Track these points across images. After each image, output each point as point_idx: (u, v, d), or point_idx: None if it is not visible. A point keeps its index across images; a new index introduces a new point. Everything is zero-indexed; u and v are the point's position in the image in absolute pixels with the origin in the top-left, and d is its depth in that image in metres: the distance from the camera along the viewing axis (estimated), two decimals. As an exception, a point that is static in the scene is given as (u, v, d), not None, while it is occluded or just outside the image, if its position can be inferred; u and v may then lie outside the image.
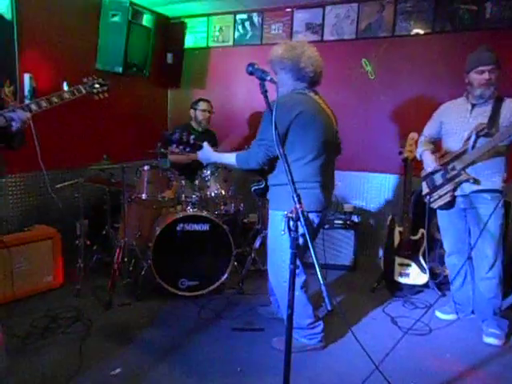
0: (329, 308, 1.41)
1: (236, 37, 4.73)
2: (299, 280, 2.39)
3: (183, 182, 3.57)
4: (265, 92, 1.73)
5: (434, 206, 2.86)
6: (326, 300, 1.40)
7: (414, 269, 3.29)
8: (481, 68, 2.55)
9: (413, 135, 3.12)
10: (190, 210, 3.25)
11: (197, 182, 3.51)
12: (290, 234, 1.53)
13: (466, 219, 2.80)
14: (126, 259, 3.26)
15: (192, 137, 2.47)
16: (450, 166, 2.73)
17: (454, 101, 2.81)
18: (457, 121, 2.72)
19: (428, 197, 2.86)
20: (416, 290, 3.34)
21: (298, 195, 1.52)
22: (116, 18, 3.99)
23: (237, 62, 4.64)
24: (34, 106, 2.03)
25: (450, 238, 2.91)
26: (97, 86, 2.38)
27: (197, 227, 3.17)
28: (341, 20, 4.21)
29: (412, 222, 3.30)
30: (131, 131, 4.58)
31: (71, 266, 3.29)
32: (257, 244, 3.55)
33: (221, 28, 4.81)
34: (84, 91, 2.29)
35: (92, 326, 2.70)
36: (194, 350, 2.52)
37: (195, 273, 3.15)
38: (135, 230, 3.42)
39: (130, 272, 3.34)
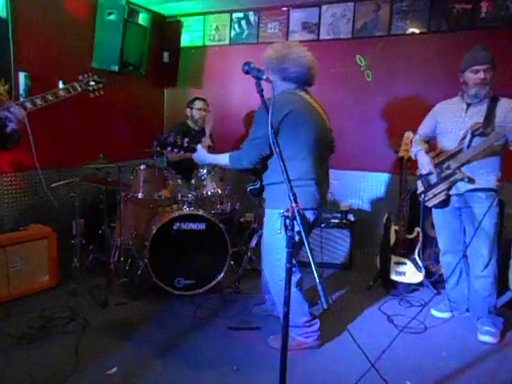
0: (324, 306, 1.41)
1: (232, 36, 4.73)
2: (294, 278, 2.39)
3: (179, 181, 3.56)
4: (261, 91, 1.74)
5: (429, 204, 2.87)
6: (322, 298, 1.40)
7: (409, 267, 3.30)
8: (476, 67, 2.56)
9: (408, 134, 3.13)
10: (186, 209, 3.25)
11: (193, 181, 3.50)
12: (286, 233, 1.53)
13: (460, 218, 2.81)
14: (122, 258, 3.26)
15: (186, 140, 2.49)
16: (445, 165, 2.74)
17: (450, 100, 2.82)
18: (452, 120, 2.73)
19: (423, 195, 2.88)
20: (411, 288, 3.35)
21: (294, 194, 1.53)
22: (112, 17, 3.98)
23: (233, 61, 4.64)
24: (28, 104, 2.02)
25: (445, 236, 2.93)
26: (92, 83, 2.37)
27: (193, 226, 3.16)
28: (337, 19, 4.22)
29: (408, 221, 3.32)
30: (127, 130, 4.58)
31: (67, 265, 3.28)
32: (253, 243, 3.55)
33: (217, 27, 4.80)
34: (79, 89, 2.29)
35: (88, 326, 2.70)
36: (190, 348, 2.52)
37: (191, 272, 3.15)
38: (131, 229, 3.42)
39: (126, 271, 3.33)
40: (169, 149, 2.45)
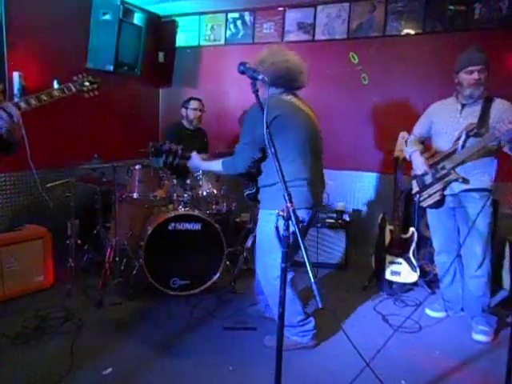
0: (319, 306, 1.41)
1: (228, 36, 4.73)
2: (288, 277, 2.40)
3: (175, 181, 3.56)
4: (256, 91, 1.74)
5: (424, 204, 2.88)
6: (317, 298, 1.40)
7: (404, 267, 3.31)
8: (470, 68, 2.57)
9: (403, 135, 3.14)
10: (181, 210, 3.24)
11: (188, 181, 3.50)
12: (280, 233, 1.54)
13: (455, 218, 2.83)
14: (117, 259, 3.25)
15: (180, 147, 2.52)
16: (439, 166, 2.75)
17: (444, 100, 2.83)
18: (447, 120, 2.75)
19: (418, 196, 2.89)
20: (406, 288, 3.37)
21: (289, 194, 1.53)
22: (107, 17, 3.97)
23: (228, 61, 4.64)
24: (23, 104, 2.01)
25: (440, 236, 2.94)
26: (87, 83, 2.36)
27: (189, 226, 3.16)
28: (332, 19, 4.23)
29: (403, 221, 3.33)
30: (123, 130, 4.56)
31: (62, 265, 3.27)
32: (249, 243, 3.55)
33: (212, 27, 4.80)
34: (74, 89, 2.27)
35: (83, 326, 2.69)
36: (185, 349, 2.52)
37: (187, 272, 3.15)
38: (127, 230, 3.41)
39: (122, 271, 3.32)
40: (164, 157, 2.49)
